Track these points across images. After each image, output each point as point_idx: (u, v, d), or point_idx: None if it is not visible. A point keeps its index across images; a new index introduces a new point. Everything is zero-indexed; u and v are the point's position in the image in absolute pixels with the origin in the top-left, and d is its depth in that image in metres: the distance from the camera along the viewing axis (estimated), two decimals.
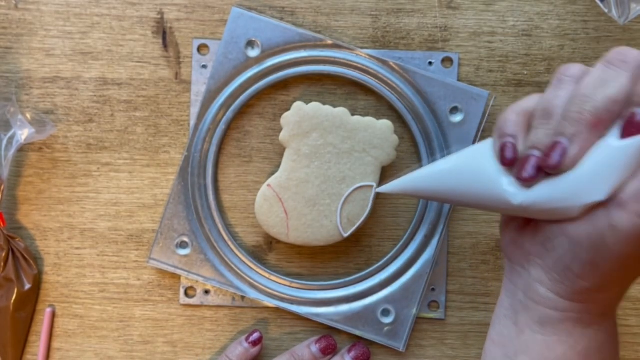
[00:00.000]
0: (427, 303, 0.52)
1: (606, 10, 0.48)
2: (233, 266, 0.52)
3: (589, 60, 0.52)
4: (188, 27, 0.52)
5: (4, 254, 0.51)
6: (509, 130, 0.37)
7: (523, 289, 0.38)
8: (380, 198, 0.52)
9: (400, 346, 0.52)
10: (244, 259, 0.52)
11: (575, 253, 0.35)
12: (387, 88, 0.51)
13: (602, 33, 0.52)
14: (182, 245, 0.52)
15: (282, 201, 0.49)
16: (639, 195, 0.32)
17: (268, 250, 0.53)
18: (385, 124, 0.50)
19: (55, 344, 0.53)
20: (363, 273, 0.52)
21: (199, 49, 0.52)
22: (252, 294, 0.52)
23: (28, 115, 0.50)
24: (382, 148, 0.50)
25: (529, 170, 0.35)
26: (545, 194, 0.35)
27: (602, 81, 0.34)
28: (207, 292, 0.52)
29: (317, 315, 0.52)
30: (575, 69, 0.36)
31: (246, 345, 0.51)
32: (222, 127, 0.52)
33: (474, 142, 0.51)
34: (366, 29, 0.52)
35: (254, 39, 0.51)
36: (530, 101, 0.37)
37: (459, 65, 0.52)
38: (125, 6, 0.52)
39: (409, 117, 0.51)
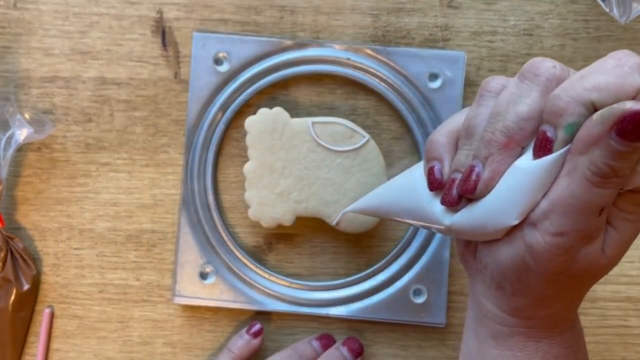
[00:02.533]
0: None
1: (607, 10, 0.48)
2: (232, 266, 0.51)
3: (590, 60, 0.52)
4: (187, 27, 0.52)
5: (2, 254, 0.51)
6: (434, 154, 0.36)
7: (476, 302, 0.38)
8: None
9: (442, 321, 0.51)
10: (243, 259, 0.52)
11: (503, 273, 0.34)
12: (388, 87, 0.51)
13: (604, 32, 0.52)
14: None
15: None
16: (548, 215, 0.32)
17: (268, 250, 0.53)
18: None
19: (54, 345, 0.53)
20: (363, 273, 0.52)
21: None
22: (254, 295, 0.52)
23: (27, 115, 0.50)
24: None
25: (450, 196, 0.35)
26: (467, 218, 0.35)
27: (514, 97, 0.33)
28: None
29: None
30: (494, 82, 0.35)
31: (247, 337, 0.50)
32: (221, 127, 0.51)
33: None
34: (366, 28, 0.52)
35: (221, 55, 0.51)
36: (458, 119, 0.36)
37: None
38: (124, 5, 0.52)
39: (409, 117, 0.51)
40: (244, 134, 0.51)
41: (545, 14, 0.52)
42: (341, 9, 0.52)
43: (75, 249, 0.53)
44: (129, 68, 0.52)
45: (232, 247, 0.52)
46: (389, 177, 0.50)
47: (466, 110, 0.36)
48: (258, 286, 0.52)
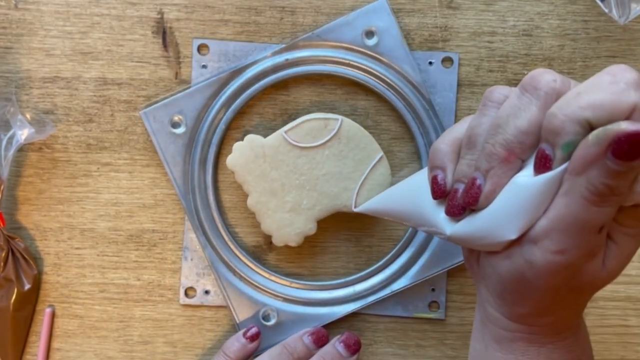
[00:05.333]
0: (427, 303, 0.52)
1: (606, 10, 0.48)
2: (233, 266, 0.52)
3: (589, 60, 0.52)
4: (188, 27, 0.52)
5: (3, 254, 0.51)
6: (438, 162, 0.37)
7: (481, 306, 0.38)
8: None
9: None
10: (243, 259, 0.52)
11: (503, 284, 0.35)
12: (387, 88, 0.51)
13: (603, 33, 0.52)
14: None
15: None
16: (548, 233, 0.32)
17: (268, 250, 0.53)
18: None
19: (55, 344, 0.53)
20: (363, 273, 0.52)
21: (199, 49, 0.52)
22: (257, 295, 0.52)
23: (28, 115, 0.50)
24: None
25: (454, 206, 0.36)
26: (467, 229, 0.35)
27: (514, 110, 0.33)
28: (207, 292, 0.52)
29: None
30: (498, 92, 0.35)
31: (243, 340, 0.50)
32: (222, 127, 0.52)
33: None
34: None
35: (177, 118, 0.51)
36: (461, 127, 0.37)
37: (459, 65, 0.52)
38: (125, 6, 0.52)
39: (409, 117, 0.51)
40: (244, 134, 0.51)
41: (544, 15, 0.52)
42: (341, 9, 0.52)
43: (76, 248, 0.53)
44: (130, 68, 0.52)
45: (232, 246, 0.52)
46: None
47: (469, 117, 0.37)
48: (258, 286, 0.52)
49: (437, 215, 0.38)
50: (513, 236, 0.33)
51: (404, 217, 0.41)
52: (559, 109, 0.31)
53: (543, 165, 0.32)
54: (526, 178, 0.33)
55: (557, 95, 0.32)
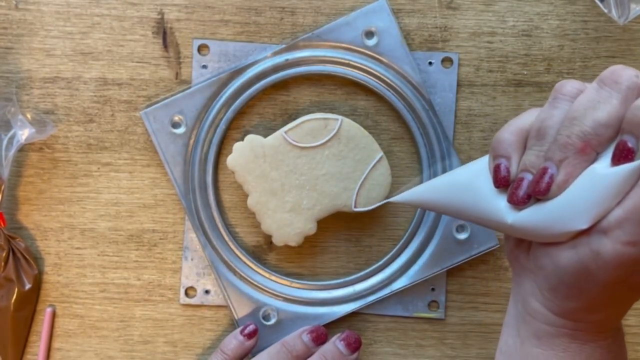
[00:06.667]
0: (427, 303, 0.52)
1: (606, 11, 0.48)
2: (233, 266, 0.52)
3: (588, 60, 0.52)
4: (188, 27, 0.52)
5: (4, 254, 0.51)
6: (502, 151, 0.37)
7: (522, 300, 0.38)
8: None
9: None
10: (244, 258, 0.52)
11: (560, 276, 0.34)
12: (387, 88, 0.51)
13: (602, 33, 0.52)
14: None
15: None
16: (622, 223, 0.32)
17: (268, 250, 0.53)
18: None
19: (56, 344, 0.53)
20: (363, 273, 0.52)
21: (199, 49, 0.52)
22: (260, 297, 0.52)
23: (28, 115, 0.50)
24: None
25: (518, 195, 0.35)
26: (533, 218, 0.35)
27: (592, 103, 0.33)
28: (207, 292, 0.52)
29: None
30: (570, 86, 0.35)
31: (241, 338, 0.50)
32: (222, 127, 0.52)
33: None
34: None
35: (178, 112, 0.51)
36: (527, 118, 0.37)
37: (459, 65, 0.52)
38: (126, 6, 0.52)
39: (408, 117, 0.51)
40: (245, 134, 0.51)
41: (544, 15, 0.52)
42: (341, 10, 0.52)
43: (77, 248, 0.53)
44: (130, 69, 0.52)
45: (232, 246, 0.52)
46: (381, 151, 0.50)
47: (534, 110, 0.37)
48: (258, 285, 0.52)
49: (497, 204, 0.37)
50: (584, 226, 0.33)
51: (451, 207, 0.40)
52: None
53: (624, 157, 0.32)
54: (605, 167, 0.32)
55: (638, 90, 0.32)
